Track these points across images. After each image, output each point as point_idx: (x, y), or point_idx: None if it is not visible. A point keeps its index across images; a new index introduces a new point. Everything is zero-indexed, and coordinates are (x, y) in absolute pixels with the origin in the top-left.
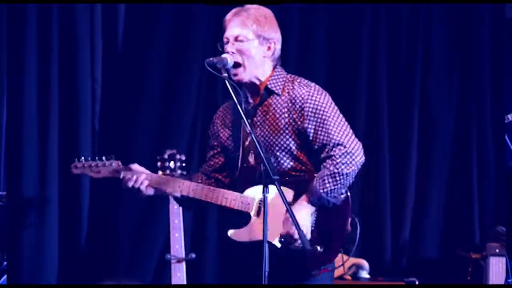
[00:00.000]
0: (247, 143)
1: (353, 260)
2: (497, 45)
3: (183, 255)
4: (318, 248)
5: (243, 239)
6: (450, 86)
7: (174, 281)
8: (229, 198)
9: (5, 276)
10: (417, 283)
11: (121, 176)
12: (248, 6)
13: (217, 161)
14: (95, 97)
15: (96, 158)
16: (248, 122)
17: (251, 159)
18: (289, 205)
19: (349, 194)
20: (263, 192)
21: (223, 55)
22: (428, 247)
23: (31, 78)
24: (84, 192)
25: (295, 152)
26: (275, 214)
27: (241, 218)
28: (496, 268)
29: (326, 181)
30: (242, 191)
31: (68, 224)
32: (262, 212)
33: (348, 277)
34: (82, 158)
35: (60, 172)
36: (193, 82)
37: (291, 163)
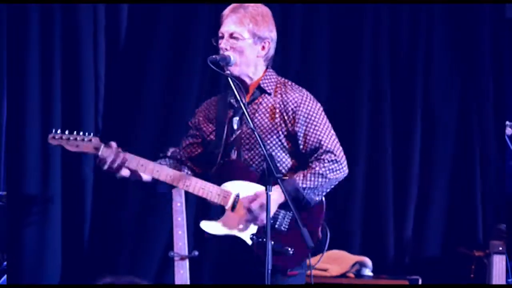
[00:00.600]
0: (231, 139)
1: (356, 258)
2: (497, 45)
3: (186, 253)
4: (290, 250)
5: (214, 231)
6: (451, 85)
7: (177, 278)
8: (206, 189)
9: (5, 276)
10: (420, 281)
11: (100, 153)
12: (246, 4)
13: (194, 150)
14: (99, 95)
15: (74, 132)
16: (240, 119)
17: (234, 155)
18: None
19: (324, 200)
20: (266, 190)
21: (226, 53)
22: (431, 245)
23: (34, 76)
24: (87, 190)
25: (278, 152)
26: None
27: (215, 211)
28: (500, 266)
29: (308, 178)
30: (219, 185)
31: (71, 223)
32: (237, 207)
33: (351, 275)
34: (59, 130)
35: (63, 170)
36: (195, 80)
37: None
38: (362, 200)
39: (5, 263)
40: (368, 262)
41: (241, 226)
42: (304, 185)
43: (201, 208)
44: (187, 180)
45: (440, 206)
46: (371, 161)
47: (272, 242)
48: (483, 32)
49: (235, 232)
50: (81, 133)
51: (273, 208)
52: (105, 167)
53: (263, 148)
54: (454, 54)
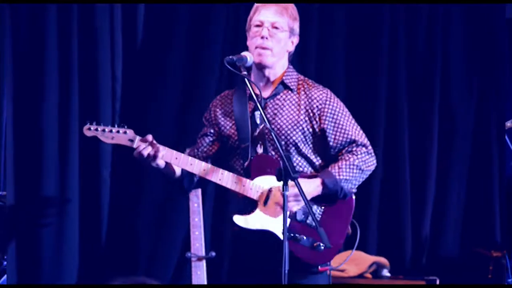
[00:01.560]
0: (255, 134)
1: (374, 258)
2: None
3: (204, 253)
4: (321, 245)
5: (247, 225)
6: (469, 85)
7: (194, 279)
8: (239, 183)
9: (5, 276)
10: (437, 281)
11: (136, 145)
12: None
13: (211, 148)
14: (116, 96)
15: (109, 125)
16: (262, 115)
17: (260, 150)
18: (302, 190)
19: (354, 197)
20: (283, 190)
21: (243, 53)
22: (449, 245)
23: (51, 78)
24: (105, 192)
25: (301, 149)
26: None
27: (247, 205)
28: None
29: (344, 169)
30: (251, 179)
31: (88, 224)
32: (269, 202)
33: (369, 276)
34: (94, 122)
35: (80, 172)
36: (212, 79)
37: (297, 159)
38: (379, 200)
39: (5, 263)
40: (386, 262)
41: (273, 221)
42: (341, 177)
43: (219, 209)
44: (220, 174)
45: (457, 206)
46: (389, 161)
47: (304, 237)
48: (501, 31)
49: (267, 227)
50: (116, 126)
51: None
52: (140, 158)
53: (280, 148)
54: (472, 54)
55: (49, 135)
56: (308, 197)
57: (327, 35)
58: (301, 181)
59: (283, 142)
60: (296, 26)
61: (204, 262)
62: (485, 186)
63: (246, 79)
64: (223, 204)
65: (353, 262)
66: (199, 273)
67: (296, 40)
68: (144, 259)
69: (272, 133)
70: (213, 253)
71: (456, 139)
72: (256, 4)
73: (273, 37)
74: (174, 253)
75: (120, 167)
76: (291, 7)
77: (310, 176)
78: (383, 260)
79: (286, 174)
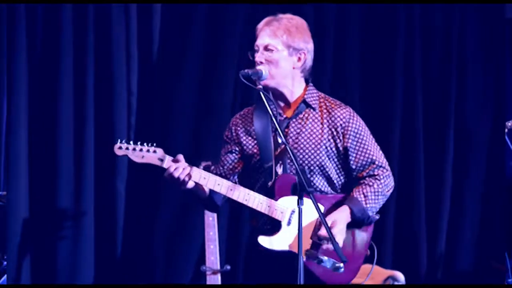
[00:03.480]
0: (276, 153)
1: (388, 272)
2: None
3: (218, 267)
4: (342, 267)
5: (272, 247)
6: (485, 95)
7: None
8: (264, 203)
9: (5, 276)
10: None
11: (165, 165)
12: (281, 15)
13: (237, 166)
14: (131, 110)
15: (138, 143)
16: (282, 134)
17: (279, 170)
18: (324, 215)
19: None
20: (298, 204)
21: (258, 67)
22: (464, 259)
23: (67, 90)
24: (120, 205)
25: (325, 168)
26: (306, 226)
27: (271, 226)
28: None
29: (369, 197)
30: (275, 200)
31: (103, 237)
32: (292, 223)
33: None
34: (124, 140)
35: (95, 185)
36: (227, 93)
37: (319, 179)
38: (394, 214)
39: (5, 263)
40: (401, 276)
41: (296, 242)
42: (368, 205)
43: (233, 223)
44: (247, 194)
45: (473, 220)
46: (404, 174)
47: (326, 258)
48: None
49: (291, 247)
50: (145, 144)
51: (342, 236)
52: (171, 179)
53: (295, 162)
54: (488, 54)
55: (64, 148)
56: (340, 228)
57: (342, 36)
58: (336, 216)
59: (306, 162)
60: (299, 42)
61: (219, 276)
62: (501, 200)
63: (261, 93)
64: (238, 218)
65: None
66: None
67: (303, 56)
68: (159, 273)
69: (287, 147)
70: (228, 267)
71: (472, 152)
72: (257, 27)
73: (268, 60)
74: (189, 267)
75: (135, 180)
76: (291, 24)
77: (333, 197)
78: (398, 274)
79: (301, 188)
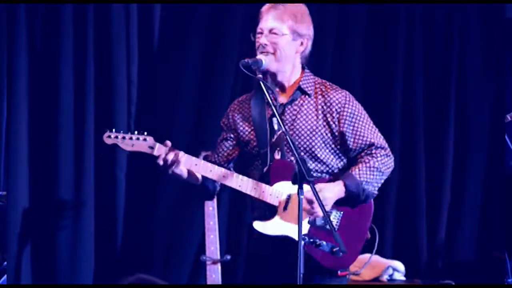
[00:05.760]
0: (273, 140)
1: (389, 262)
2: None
3: (218, 257)
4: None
5: (267, 231)
6: (485, 91)
7: (209, 283)
8: (258, 189)
9: (5, 276)
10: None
11: (156, 152)
12: (286, 4)
13: (231, 152)
14: (131, 99)
15: (129, 132)
16: (278, 119)
17: (277, 155)
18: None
19: (372, 201)
20: (298, 194)
21: (258, 56)
22: (465, 249)
23: (67, 81)
24: (120, 194)
25: (320, 154)
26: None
27: (266, 211)
28: None
29: (364, 172)
30: (270, 185)
31: (103, 227)
32: (288, 208)
33: (384, 279)
34: (114, 129)
35: (95, 174)
36: (228, 82)
37: (316, 165)
38: (395, 204)
39: (5, 263)
40: (401, 266)
41: (292, 226)
42: (362, 179)
43: (234, 212)
44: (240, 180)
45: (473, 209)
46: (404, 166)
47: (324, 242)
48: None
49: (286, 232)
50: (135, 132)
51: (330, 203)
52: (161, 164)
53: (295, 152)
54: (488, 54)
55: (64, 138)
56: (333, 201)
57: (344, 36)
58: (325, 185)
59: (301, 148)
60: (303, 28)
61: (219, 265)
62: (501, 190)
63: (261, 83)
64: (238, 207)
65: (368, 266)
66: (214, 276)
67: (306, 41)
68: (159, 262)
69: (287, 136)
70: (228, 256)
71: (472, 144)
72: (260, 10)
73: (274, 43)
74: (189, 256)
75: (135, 169)
76: (296, 10)
77: (329, 180)
78: (398, 264)
79: (301, 177)
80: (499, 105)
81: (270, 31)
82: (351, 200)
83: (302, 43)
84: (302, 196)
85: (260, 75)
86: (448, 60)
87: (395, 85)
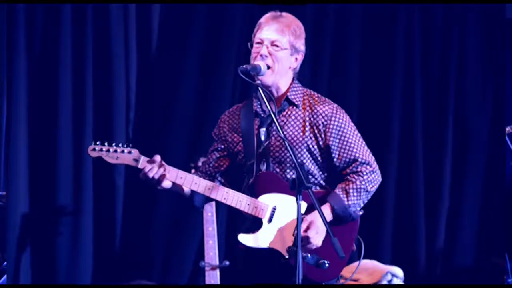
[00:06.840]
0: (260, 150)
1: (387, 267)
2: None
3: (217, 263)
4: (326, 263)
5: (252, 244)
6: (484, 95)
7: None
8: (243, 201)
9: (5, 276)
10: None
11: (140, 165)
12: (285, 14)
13: (222, 164)
14: (130, 105)
15: (113, 144)
16: (276, 125)
17: (263, 167)
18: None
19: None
20: (297, 200)
21: (256, 62)
22: (463, 255)
23: (65, 86)
24: (118, 200)
25: (308, 165)
26: (288, 223)
27: (253, 223)
28: None
29: (351, 194)
30: (255, 197)
31: (102, 232)
32: (274, 220)
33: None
34: (99, 142)
35: (94, 181)
36: (226, 89)
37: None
38: (393, 210)
39: (5, 263)
40: (400, 272)
41: (278, 239)
42: (350, 202)
43: (233, 219)
44: (225, 193)
45: (472, 215)
46: (403, 171)
47: (309, 255)
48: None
49: (272, 245)
50: (120, 145)
51: (322, 232)
52: (146, 179)
53: (294, 157)
54: (488, 55)
55: (63, 143)
56: (317, 230)
57: (341, 36)
58: (311, 214)
59: (288, 159)
60: (300, 44)
61: (217, 271)
62: (500, 196)
63: (259, 88)
64: (238, 213)
65: (366, 272)
66: (213, 282)
67: (300, 57)
68: (158, 268)
69: (286, 143)
70: (227, 262)
71: (470, 149)
72: (260, 21)
73: (274, 56)
74: (188, 262)
75: (134, 174)
76: (295, 25)
77: (317, 193)
78: (397, 269)
79: (300, 183)
80: (499, 105)
81: (272, 43)
82: (337, 221)
83: (296, 59)
84: (300, 202)
85: (259, 81)
86: (448, 60)
87: (394, 85)
